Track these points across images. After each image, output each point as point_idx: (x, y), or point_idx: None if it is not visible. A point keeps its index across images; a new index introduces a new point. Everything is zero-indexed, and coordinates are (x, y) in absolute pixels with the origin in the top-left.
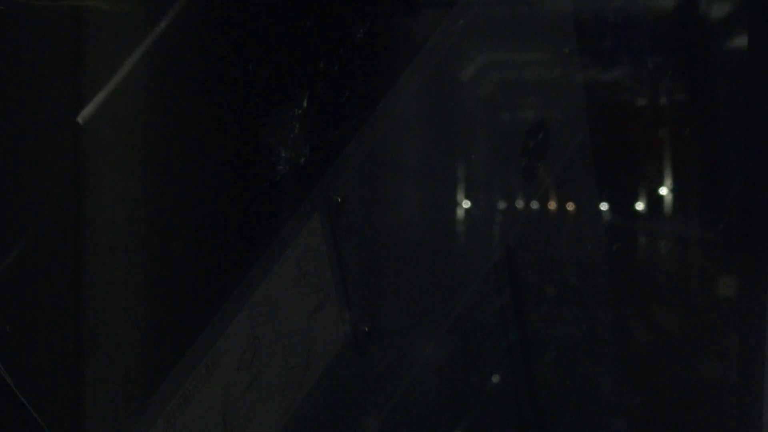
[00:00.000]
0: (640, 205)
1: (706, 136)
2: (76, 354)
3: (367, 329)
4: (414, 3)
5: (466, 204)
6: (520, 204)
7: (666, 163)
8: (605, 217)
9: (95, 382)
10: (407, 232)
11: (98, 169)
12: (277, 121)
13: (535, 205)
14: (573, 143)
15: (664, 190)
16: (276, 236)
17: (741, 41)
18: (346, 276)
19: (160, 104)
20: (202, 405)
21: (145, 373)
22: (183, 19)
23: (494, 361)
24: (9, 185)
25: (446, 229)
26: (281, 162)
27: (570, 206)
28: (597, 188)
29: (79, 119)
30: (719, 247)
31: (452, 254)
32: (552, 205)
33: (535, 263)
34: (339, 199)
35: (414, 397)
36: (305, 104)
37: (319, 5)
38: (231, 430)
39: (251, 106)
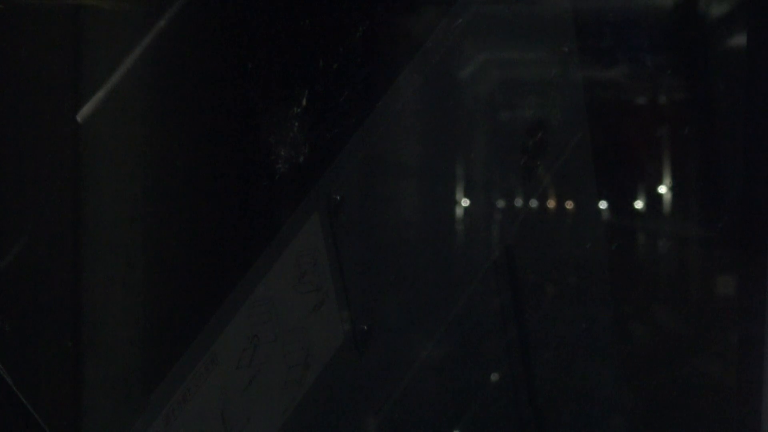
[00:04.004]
0: (639, 204)
1: (705, 135)
2: (75, 353)
3: (366, 328)
4: (413, 2)
5: (466, 203)
6: (519, 203)
7: (665, 161)
8: (604, 216)
9: (95, 381)
10: (406, 231)
11: (97, 168)
12: (276, 119)
13: (534, 203)
14: (572, 142)
15: (663, 189)
16: (275, 235)
17: (741, 41)
18: (345, 274)
19: (159, 103)
20: (202, 403)
21: (145, 372)
22: (182, 18)
23: (493, 359)
24: (9, 185)
25: (445, 228)
26: (280, 161)
27: (569, 205)
28: (596, 187)
29: (78, 118)
30: (718, 246)
31: (451, 253)
32: (551, 204)
33: (535, 262)
34: (338, 198)
35: (413, 396)
36: (304, 103)
37: (319, 4)
38: (230, 429)
39: (251, 105)
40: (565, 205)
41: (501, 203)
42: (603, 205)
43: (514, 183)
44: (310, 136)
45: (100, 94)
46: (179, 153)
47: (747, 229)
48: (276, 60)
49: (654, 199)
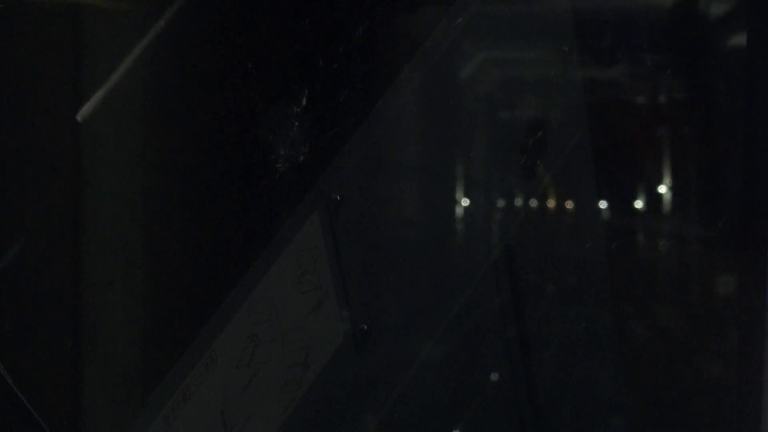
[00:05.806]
0: (639, 204)
1: (705, 135)
2: (75, 353)
3: (366, 327)
4: (413, 1)
5: (465, 202)
6: (519, 202)
7: (665, 161)
8: (604, 216)
9: (95, 381)
10: (406, 230)
11: (97, 167)
12: (276, 119)
13: (534, 203)
14: (572, 141)
15: (663, 189)
16: (275, 234)
17: (741, 40)
18: (345, 274)
19: (159, 102)
20: (201, 403)
21: (144, 372)
22: (182, 17)
23: (493, 359)
24: (8, 184)
25: (445, 228)
26: (280, 160)
27: (569, 204)
28: (596, 186)
29: (78, 118)
30: (718, 246)
31: (451, 252)
32: (551, 204)
33: (534, 261)
34: (338, 197)
35: (413, 396)
36: (304, 102)
37: (319, 4)
38: (230, 429)
39: (250, 105)
40: (565, 204)
41: (501, 203)
42: (603, 204)
43: (514, 183)
44: (310, 136)
45: (100, 94)
46: (179, 153)
47: (747, 229)
48: (276, 60)
49: (654, 198)
